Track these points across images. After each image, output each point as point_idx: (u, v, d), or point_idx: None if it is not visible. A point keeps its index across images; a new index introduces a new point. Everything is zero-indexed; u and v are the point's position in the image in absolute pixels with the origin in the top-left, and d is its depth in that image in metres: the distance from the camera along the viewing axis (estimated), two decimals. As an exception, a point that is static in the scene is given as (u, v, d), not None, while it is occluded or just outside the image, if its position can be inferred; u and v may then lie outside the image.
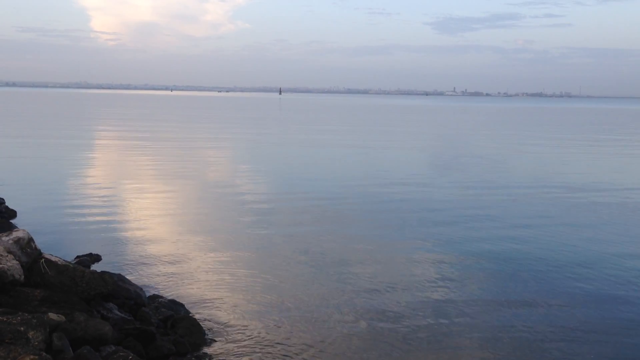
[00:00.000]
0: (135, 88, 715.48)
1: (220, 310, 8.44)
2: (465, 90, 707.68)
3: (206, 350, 7.18)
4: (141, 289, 8.53)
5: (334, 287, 9.55)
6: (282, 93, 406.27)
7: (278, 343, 7.45)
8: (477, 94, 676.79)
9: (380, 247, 12.00)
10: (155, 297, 8.56)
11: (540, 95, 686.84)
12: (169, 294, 8.99)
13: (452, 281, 9.93)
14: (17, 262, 7.04)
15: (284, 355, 7.13)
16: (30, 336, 5.70)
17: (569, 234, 13.35)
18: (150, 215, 14.62)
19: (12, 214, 13.76)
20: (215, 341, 7.44)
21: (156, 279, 9.75)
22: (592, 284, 9.92)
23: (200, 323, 7.74)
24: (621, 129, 60.06)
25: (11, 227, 10.68)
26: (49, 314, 6.44)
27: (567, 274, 10.37)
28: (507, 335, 7.85)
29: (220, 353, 7.13)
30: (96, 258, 10.39)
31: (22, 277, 7.00)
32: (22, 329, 5.72)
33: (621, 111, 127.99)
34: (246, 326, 7.92)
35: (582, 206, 16.77)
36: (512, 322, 8.26)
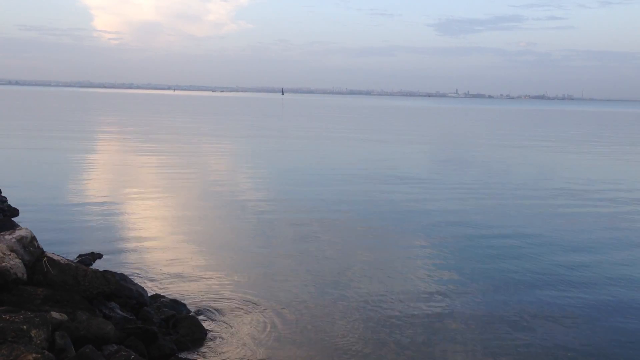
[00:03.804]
0: (138, 87, 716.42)
1: (221, 310, 8.45)
2: (468, 92, 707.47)
3: (207, 350, 7.20)
4: (143, 289, 8.53)
5: (335, 289, 9.55)
6: (284, 93, 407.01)
7: (278, 344, 7.46)
8: (479, 96, 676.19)
9: (381, 252, 12.01)
10: (157, 297, 8.57)
11: (542, 97, 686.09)
12: (170, 293, 8.99)
13: (451, 288, 9.94)
14: (20, 260, 7.05)
15: (284, 356, 7.14)
16: (33, 335, 5.71)
17: (574, 242, 13.34)
18: (152, 215, 14.63)
19: (15, 212, 13.76)
20: (217, 341, 7.45)
21: (158, 278, 9.77)
22: (591, 290, 9.93)
23: (202, 323, 7.76)
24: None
25: (14, 226, 10.66)
26: (52, 312, 6.44)
27: (568, 285, 10.37)
28: (505, 343, 7.85)
29: (222, 353, 7.14)
30: (98, 257, 10.38)
31: (25, 275, 7.01)
32: (24, 327, 5.73)
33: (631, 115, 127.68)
34: (247, 326, 7.93)
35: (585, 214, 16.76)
36: (511, 326, 8.27)
